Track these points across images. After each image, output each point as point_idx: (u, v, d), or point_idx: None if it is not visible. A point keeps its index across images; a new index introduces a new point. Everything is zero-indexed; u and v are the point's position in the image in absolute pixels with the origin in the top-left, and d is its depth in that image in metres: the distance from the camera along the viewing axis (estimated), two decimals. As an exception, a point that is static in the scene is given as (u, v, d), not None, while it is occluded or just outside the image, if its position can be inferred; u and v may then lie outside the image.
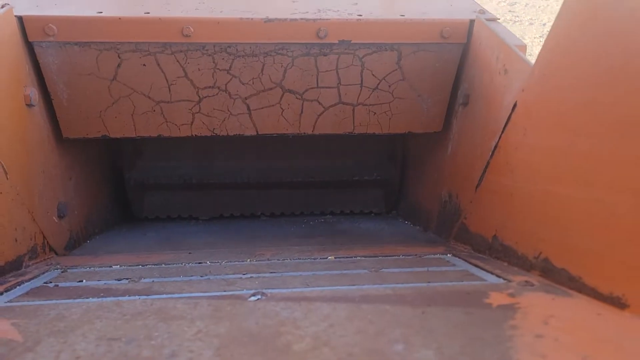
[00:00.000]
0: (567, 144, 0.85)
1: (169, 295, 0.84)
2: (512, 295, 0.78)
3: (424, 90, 1.42)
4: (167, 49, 1.29)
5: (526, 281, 0.86)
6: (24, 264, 1.09)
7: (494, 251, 1.08)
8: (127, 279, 0.98)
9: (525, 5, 6.14)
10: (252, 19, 1.29)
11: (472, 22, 1.34)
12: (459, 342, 0.61)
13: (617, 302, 0.70)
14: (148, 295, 0.84)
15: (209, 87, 1.35)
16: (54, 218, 1.30)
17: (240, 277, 0.97)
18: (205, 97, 1.36)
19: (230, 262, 1.14)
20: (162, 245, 1.47)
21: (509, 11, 6.05)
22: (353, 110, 1.43)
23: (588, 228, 0.78)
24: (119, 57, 1.28)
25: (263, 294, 0.81)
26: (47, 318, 0.72)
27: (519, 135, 1.02)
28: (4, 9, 1.17)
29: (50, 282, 0.97)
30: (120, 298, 0.83)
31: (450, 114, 1.45)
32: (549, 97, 0.93)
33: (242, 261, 1.15)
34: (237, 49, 1.32)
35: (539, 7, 6.06)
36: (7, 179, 1.06)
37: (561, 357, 0.58)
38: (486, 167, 1.16)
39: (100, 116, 1.35)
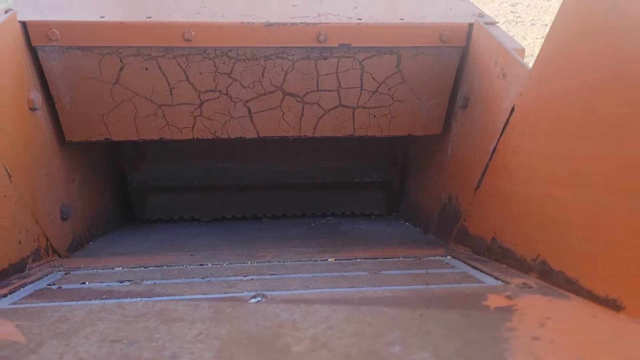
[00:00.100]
0: (564, 148, 0.86)
1: (171, 297, 0.85)
2: (509, 297, 0.79)
3: (424, 93, 1.43)
4: (168, 53, 1.30)
5: (524, 283, 0.86)
6: (27, 266, 1.11)
7: (493, 253, 1.09)
8: (129, 281, 0.99)
9: (527, 6, 6.14)
10: (252, 23, 1.30)
11: (471, 25, 1.35)
12: (456, 343, 0.62)
13: (613, 305, 0.71)
14: (150, 297, 0.85)
15: (210, 90, 1.37)
16: (57, 220, 1.31)
17: (241, 279, 0.98)
18: (206, 101, 1.38)
19: (232, 264, 1.15)
20: (164, 247, 1.48)
21: (511, 12, 6.06)
22: (353, 113, 1.44)
23: (585, 231, 0.79)
24: (121, 61, 1.30)
25: (263, 296, 0.82)
26: (50, 320, 0.73)
27: (517, 138, 1.03)
28: (8, 14, 1.19)
29: (54, 284, 0.98)
30: (122, 300, 0.84)
31: (449, 116, 1.46)
32: (547, 101, 0.94)
33: (243, 263, 1.16)
34: (238, 53, 1.33)
35: (541, 7, 6.06)
36: (11, 182, 1.07)
37: (556, 359, 0.59)
38: (485, 169, 1.17)
39: (102, 119, 1.36)
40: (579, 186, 0.81)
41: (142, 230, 1.76)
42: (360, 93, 1.42)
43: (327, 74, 1.38)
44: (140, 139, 1.40)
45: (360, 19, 1.35)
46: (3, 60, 1.13)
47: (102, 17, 1.27)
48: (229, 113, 1.40)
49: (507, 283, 0.89)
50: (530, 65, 1.02)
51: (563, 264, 0.83)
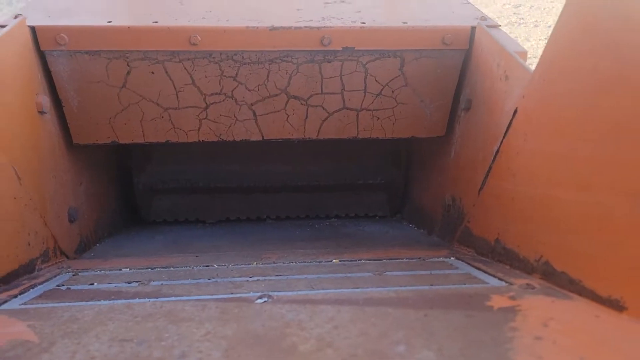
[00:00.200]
0: (567, 149, 0.87)
1: (178, 298, 0.86)
2: (513, 298, 0.80)
3: (427, 95, 1.44)
4: (175, 57, 1.32)
5: (527, 284, 0.87)
6: (36, 268, 1.12)
7: (497, 254, 1.10)
8: (136, 281, 1.00)
9: (530, 7, 6.14)
10: (257, 27, 1.32)
11: (473, 28, 1.36)
12: (459, 344, 0.63)
13: (616, 305, 0.71)
14: (157, 298, 0.87)
15: (216, 93, 1.38)
16: (65, 222, 1.33)
17: (247, 280, 0.99)
18: (212, 104, 1.39)
19: (237, 265, 1.16)
20: (169, 248, 1.50)
21: (514, 13, 6.06)
22: (357, 115, 1.46)
23: (587, 231, 0.80)
24: (128, 65, 1.32)
25: (269, 296, 0.83)
26: (61, 320, 0.74)
27: (519, 140, 1.04)
28: (17, 19, 1.21)
29: (63, 285, 1.00)
30: (130, 300, 0.86)
31: (453, 118, 1.47)
32: (549, 104, 0.95)
33: (249, 264, 1.17)
34: (243, 57, 1.34)
35: (544, 9, 6.06)
36: (21, 184, 1.09)
37: (559, 359, 0.59)
38: (488, 171, 1.18)
39: (109, 122, 1.38)
40: (581, 187, 0.82)
41: (148, 231, 1.77)
42: (364, 96, 1.43)
43: (331, 77, 1.40)
44: (147, 142, 1.41)
45: (363, 23, 1.36)
46: (13, 65, 1.15)
47: (110, 21, 1.29)
48: (234, 116, 1.42)
49: (511, 284, 0.89)
50: (533, 67, 1.03)
51: (566, 265, 0.84)
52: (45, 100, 1.25)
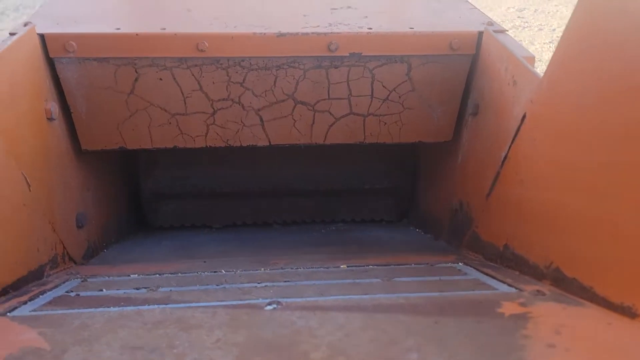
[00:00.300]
0: (576, 155, 0.87)
1: (188, 304, 0.86)
2: (523, 304, 0.80)
3: (434, 100, 1.44)
4: (182, 64, 1.33)
5: (538, 290, 0.87)
6: (45, 274, 1.13)
7: (506, 260, 1.09)
8: (145, 288, 1.00)
9: (535, 11, 6.13)
10: (265, 33, 1.32)
11: (480, 33, 1.36)
12: (471, 351, 0.63)
13: (628, 312, 0.71)
14: (167, 304, 0.87)
15: (223, 99, 1.39)
16: (73, 228, 1.33)
17: (255, 286, 0.99)
18: (219, 109, 1.40)
19: (245, 270, 1.16)
20: (177, 253, 1.50)
21: (518, 17, 6.05)
22: (364, 120, 1.46)
23: (598, 237, 0.79)
24: (136, 72, 1.32)
25: (278, 303, 0.83)
26: (72, 327, 0.75)
27: (528, 145, 1.04)
28: (27, 27, 1.22)
29: (72, 292, 1.00)
30: (140, 307, 0.86)
31: (460, 123, 1.47)
32: (558, 109, 0.94)
33: (257, 270, 1.17)
34: (250, 63, 1.35)
35: (548, 12, 6.05)
36: (30, 190, 1.09)
37: (572, 367, 0.59)
38: (496, 176, 1.17)
39: (117, 128, 1.38)
40: (590, 193, 0.82)
41: (154, 237, 1.78)
42: (371, 101, 1.43)
43: (338, 83, 1.40)
44: (155, 147, 1.42)
45: (370, 29, 1.36)
46: (22, 72, 1.16)
47: (118, 28, 1.30)
48: (241, 121, 1.42)
49: (521, 290, 0.89)
50: (541, 72, 1.03)
51: (577, 271, 0.84)
52: (54, 107, 1.26)
